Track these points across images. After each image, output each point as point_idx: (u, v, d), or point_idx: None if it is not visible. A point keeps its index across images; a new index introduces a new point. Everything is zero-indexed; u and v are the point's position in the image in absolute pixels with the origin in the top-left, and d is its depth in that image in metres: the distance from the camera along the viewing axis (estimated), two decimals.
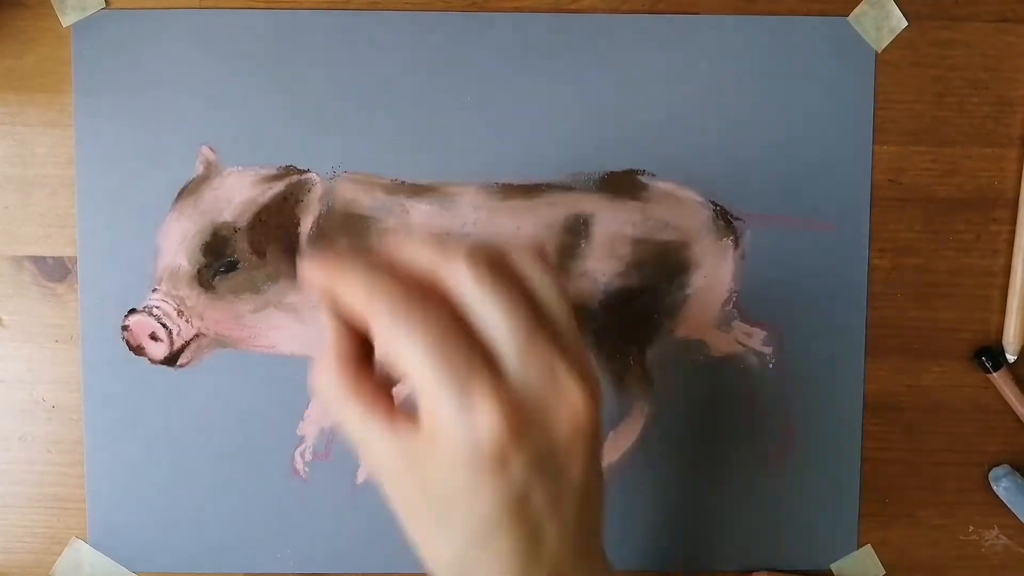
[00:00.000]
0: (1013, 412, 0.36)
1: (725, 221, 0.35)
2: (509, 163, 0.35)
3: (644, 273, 0.35)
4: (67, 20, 0.34)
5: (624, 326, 0.35)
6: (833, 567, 0.36)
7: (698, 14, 0.35)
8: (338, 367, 0.24)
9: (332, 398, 0.24)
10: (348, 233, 0.35)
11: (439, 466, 0.24)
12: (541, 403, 0.24)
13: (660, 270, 0.35)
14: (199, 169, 0.35)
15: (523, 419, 0.24)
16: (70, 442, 0.35)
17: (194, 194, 0.35)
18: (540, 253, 0.26)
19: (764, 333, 0.36)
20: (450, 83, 0.35)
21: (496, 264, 0.25)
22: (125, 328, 0.35)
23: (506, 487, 0.24)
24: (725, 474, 0.36)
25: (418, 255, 0.25)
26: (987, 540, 0.37)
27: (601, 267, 0.35)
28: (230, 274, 0.34)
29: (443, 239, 0.26)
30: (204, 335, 0.35)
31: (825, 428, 0.36)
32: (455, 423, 0.23)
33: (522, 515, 0.25)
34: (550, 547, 0.26)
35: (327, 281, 0.24)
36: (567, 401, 0.24)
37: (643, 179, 0.35)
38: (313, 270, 0.24)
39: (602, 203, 0.35)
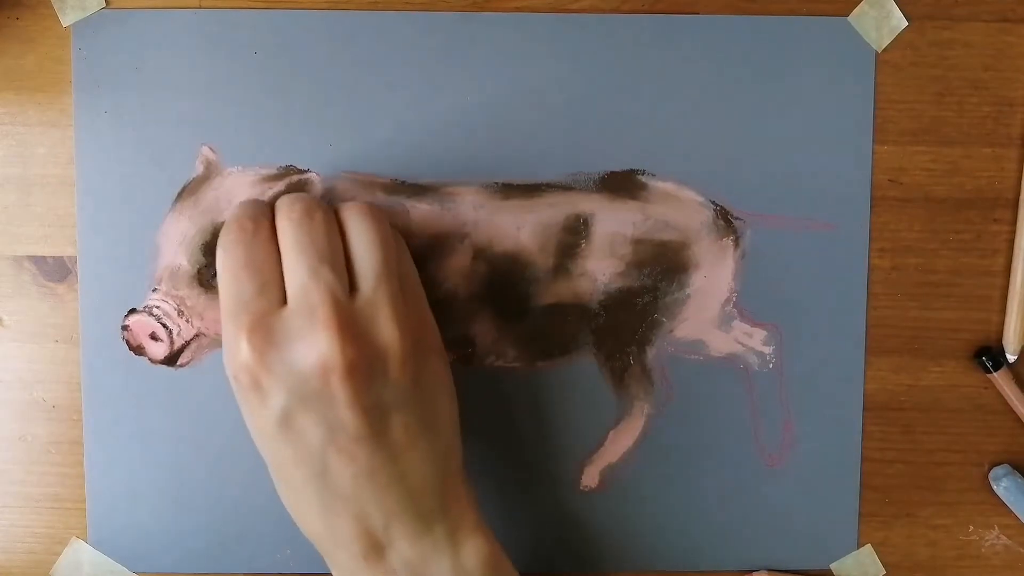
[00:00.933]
0: (1013, 412, 0.36)
1: (725, 221, 0.35)
2: (509, 163, 0.35)
3: (644, 273, 0.35)
4: (67, 20, 0.34)
5: (624, 326, 0.35)
6: (833, 567, 0.36)
7: (698, 14, 0.35)
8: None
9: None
10: None
11: (236, 394, 0.29)
12: (296, 336, 0.27)
13: (660, 270, 0.35)
14: (199, 169, 0.35)
15: (273, 346, 0.27)
16: (70, 442, 0.35)
17: (194, 194, 0.35)
18: (363, 206, 0.29)
19: (764, 333, 0.36)
20: (450, 83, 0.35)
21: (316, 209, 0.29)
22: (125, 328, 0.35)
23: (265, 405, 0.27)
24: (725, 474, 0.36)
25: (277, 203, 0.30)
26: (987, 540, 0.37)
27: (601, 267, 0.35)
28: None
29: (291, 194, 0.30)
30: (204, 335, 0.35)
31: (825, 428, 0.36)
32: (227, 349, 0.28)
33: (295, 434, 0.27)
34: (342, 482, 0.28)
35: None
36: (316, 340, 0.27)
37: (643, 179, 0.35)
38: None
39: (602, 203, 0.35)
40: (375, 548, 0.28)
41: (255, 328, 0.27)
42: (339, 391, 0.27)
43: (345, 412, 0.27)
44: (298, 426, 0.27)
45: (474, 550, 0.29)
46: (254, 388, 0.27)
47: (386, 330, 0.28)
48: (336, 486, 0.28)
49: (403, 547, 0.29)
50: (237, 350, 0.27)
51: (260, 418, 0.28)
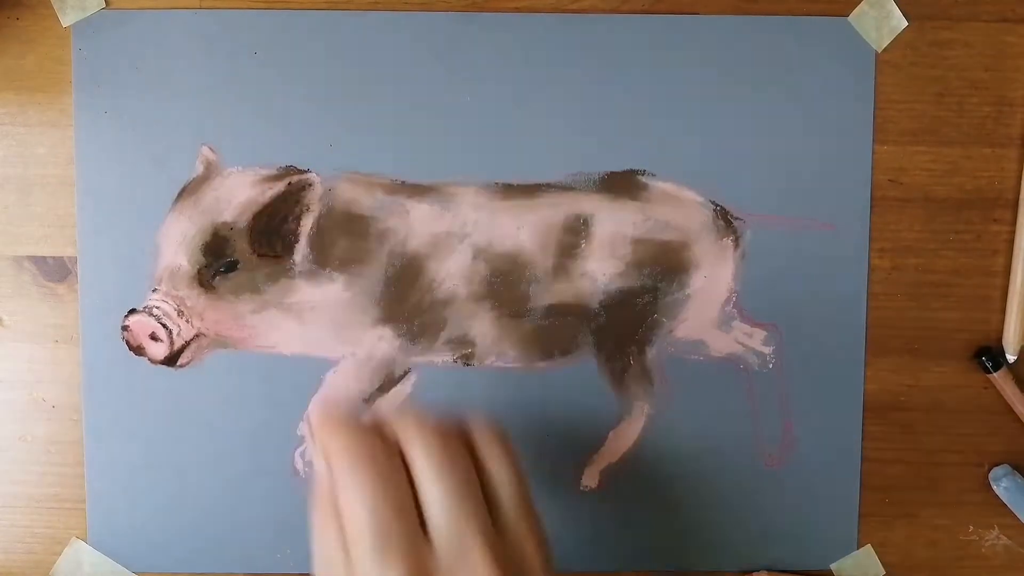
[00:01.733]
0: (1013, 412, 0.36)
1: (725, 221, 0.35)
2: (509, 163, 0.35)
3: (644, 273, 0.35)
4: (67, 20, 0.34)
5: (624, 326, 0.35)
6: (833, 567, 0.36)
7: (698, 14, 0.35)
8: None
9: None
10: (348, 233, 0.35)
11: None
12: (452, 573, 0.26)
13: (660, 270, 0.35)
14: (199, 169, 0.35)
15: None
16: (70, 442, 0.35)
17: (194, 194, 0.35)
18: (501, 437, 0.29)
19: (764, 333, 0.36)
20: (450, 83, 0.35)
21: (448, 438, 0.28)
22: (125, 328, 0.35)
23: None
24: (725, 474, 0.36)
25: (395, 424, 0.28)
26: (987, 540, 0.37)
27: (601, 267, 0.35)
28: (230, 274, 0.34)
29: (417, 413, 0.29)
30: (204, 335, 0.35)
31: (825, 428, 0.36)
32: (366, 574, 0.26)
33: None
34: None
35: (322, 435, 0.28)
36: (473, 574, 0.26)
37: (643, 179, 0.35)
38: (318, 426, 0.28)
39: (602, 203, 0.35)
40: None
41: (410, 561, 0.26)
42: None
43: None
44: None
45: None
46: None
47: (529, 557, 0.28)
48: None
49: None
50: None
51: None
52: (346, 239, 0.35)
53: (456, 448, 0.28)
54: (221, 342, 0.35)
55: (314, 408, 0.34)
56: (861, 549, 0.36)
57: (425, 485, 0.27)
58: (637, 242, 0.35)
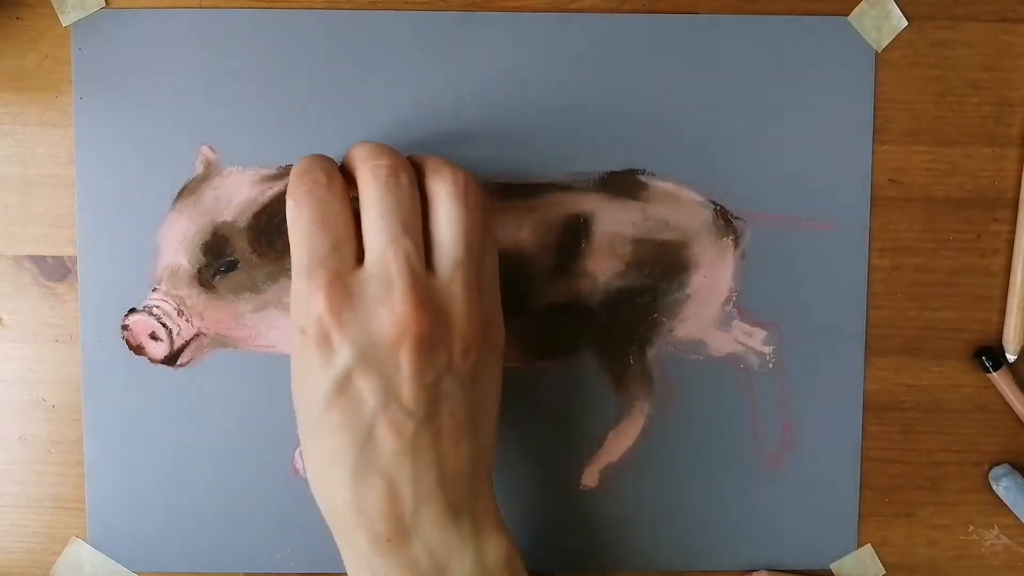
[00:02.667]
0: (1013, 412, 0.36)
1: (725, 221, 0.35)
2: (509, 163, 0.35)
3: (644, 273, 0.35)
4: (67, 20, 0.34)
5: (624, 326, 0.35)
6: (833, 567, 0.36)
7: (698, 14, 0.35)
8: None
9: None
10: None
11: (295, 350, 0.29)
12: (372, 301, 0.27)
13: (660, 270, 0.35)
14: (199, 169, 0.35)
15: (349, 305, 0.27)
16: (70, 442, 0.35)
17: (194, 194, 0.35)
18: (460, 182, 0.29)
19: (764, 333, 0.36)
20: (450, 83, 0.35)
21: (399, 171, 0.28)
22: (125, 328, 0.35)
23: (329, 362, 0.27)
24: (725, 474, 0.36)
25: (354, 150, 0.29)
26: (987, 540, 0.37)
27: (601, 267, 0.35)
28: (230, 274, 0.34)
29: (373, 144, 0.30)
30: (204, 335, 0.35)
31: (825, 428, 0.36)
32: (299, 303, 0.28)
33: (349, 398, 0.27)
34: (383, 454, 0.28)
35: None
36: (393, 308, 0.27)
37: (643, 179, 0.35)
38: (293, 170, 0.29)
39: (602, 203, 0.35)
40: (401, 531, 0.28)
41: (333, 284, 0.27)
42: (405, 362, 0.27)
43: (406, 384, 0.27)
44: (355, 389, 0.27)
45: (496, 548, 0.29)
46: (322, 343, 0.27)
47: (458, 317, 0.28)
48: (377, 457, 0.28)
49: (429, 534, 0.28)
50: (312, 303, 0.27)
51: (318, 375, 0.27)
52: None
53: (405, 181, 0.28)
54: (221, 342, 0.35)
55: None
56: (861, 549, 0.36)
57: (365, 212, 0.28)
58: (637, 242, 0.35)
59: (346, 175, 0.30)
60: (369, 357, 0.27)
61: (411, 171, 0.29)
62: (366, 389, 0.27)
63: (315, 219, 0.28)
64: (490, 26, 0.35)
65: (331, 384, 0.27)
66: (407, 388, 0.27)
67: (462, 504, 0.29)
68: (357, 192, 0.29)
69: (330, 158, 0.30)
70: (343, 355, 0.27)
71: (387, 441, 0.27)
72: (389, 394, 0.27)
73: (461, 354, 0.28)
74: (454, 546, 0.29)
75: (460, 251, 0.28)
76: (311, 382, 0.28)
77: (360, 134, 0.35)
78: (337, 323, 0.27)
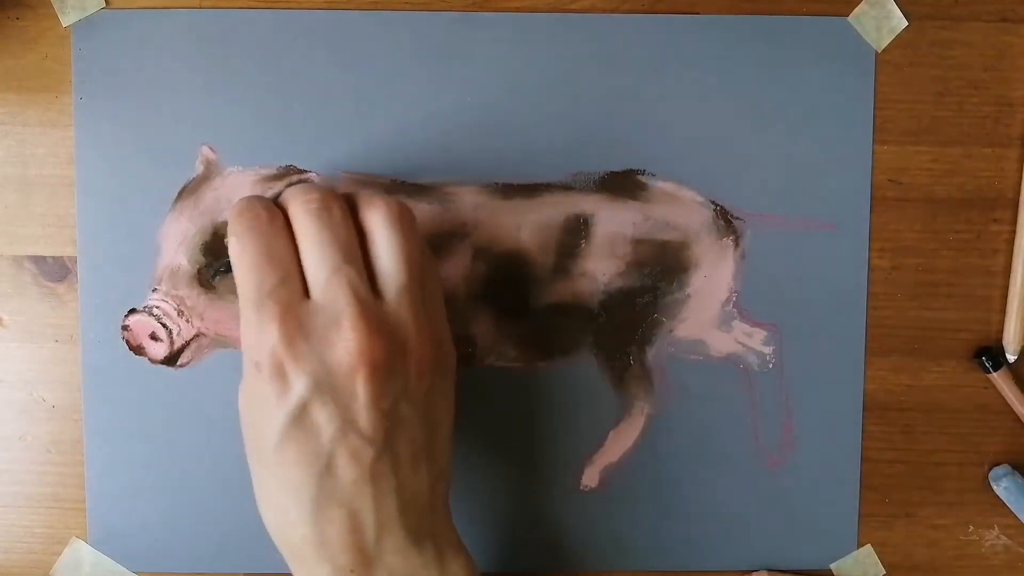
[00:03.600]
0: (1013, 412, 0.36)
1: (725, 221, 0.35)
2: (509, 163, 0.35)
3: (644, 273, 0.35)
4: (67, 20, 0.34)
5: (624, 326, 0.35)
6: (833, 567, 0.36)
7: (698, 14, 0.35)
8: None
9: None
10: None
11: (245, 388, 0.29)
12: (323, 330, 0.27)
13: (660, 270, 0.35)
14: (199, 169, 0.35)
15: (302, 336, 0.27)
16: (70, 442, 0.35)
17: (194, 194, 0.35)
18: (394, 210, 0.29)
19: (764, 333, 0.36)
20: (450, 83, 0.35)
21: (331, 203, 0.29)
22: (125, 328, 0.35)
23: (284, 395, 0.27)
24: (725, 474, 0.36)
25: (286, 192, 0.30)
26: (987, 540, 0.37)
27: (601, 267, 0.35)
28: (230, 274, 0.34)
29: (305, 184, 0.31)
30: (204, 335, 0.35)
31: (825, 428, 0.36)
32: (250, 338, 0.28)
33: (306, 429, 0.27)
34: (343, 484, 0.28)
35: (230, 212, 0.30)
36: (345, 336, 0.27)
37: (643, 179, 0.35)
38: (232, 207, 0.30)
39: (602, 203, 0.35)
40: (364, 561, 0.28)
41: (285, 316, 0.27)
42: (362, 389, 0.27)
43: (363, 411, 0.27)
44: (311, 420, 0.27)
45: (459, 570, 0.29)
46: (277, 375, 0.27)
47: (410, 341, 0.28)
48: (337, 487, 0.27)
49: (393, 562, 0.28)
50: (264, 336, 0.27)
51: (273, 409, 0.27)
52: None
53: (338, 213, 0.29)
54: (221, 342, 0.35)
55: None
56: (861, 549, 0.36)
57: (303, 246, 0.28)
58: (637, 242, 0.35)
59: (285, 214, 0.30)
60: (325, 387, 0.27)
61: (342, 202, 0.29)
62: (323, 419, 0.27)
63: (260, 253, 0.28)
64: (490, 26, 0.35)
65: (287, 416, 0.27)
66: (364, 415, 0.27)
67: (423, 529, 0.29)
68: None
69: (267, 198, 0.30)
70: (298, 386, 0.27)
71: (346, 470, 0.27)
72: (346, 422, 0.27)
73: (416, 378, 0.28)
74: (418, 572, 0.29)
75: (403, 275, 0.28)
76: (265, 416, 0.28)
77: (360, 134, 0.35)
78: (292, 354, 0.27)
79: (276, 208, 0.29)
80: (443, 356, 0.30)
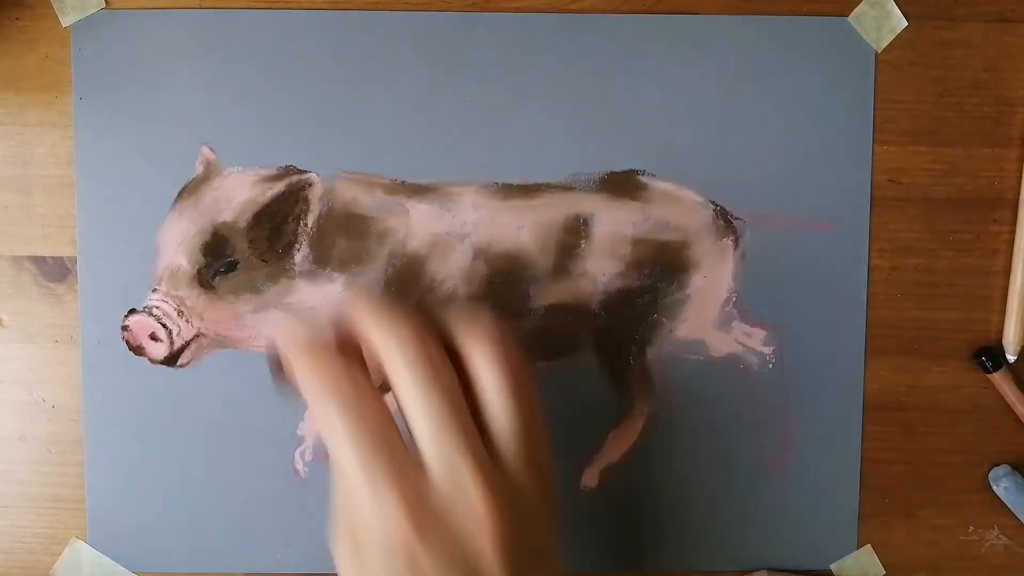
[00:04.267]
0: (1013, 412, 0.36)
1: (725, 221, 0.35)
2: (509, 163, 0.35)
3: (644, 273, 0.35)
4: (67, 20, 0.34)
5: (624, 326, 0.35)
6: (833, 567, 0.36)
7: (698, 14, 0.35)
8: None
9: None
10: (348, 233, 0.35)
11: (370, 551, 0.25)
12: (447, 501, 0.25)
13: (660, 270, 0.35)
14: (199, 169, 0.35)
15: (428, 516, 0.25)
16: (70, 442, 0.35)
17: (194, 194, 0.35)
18: (501, 349, 0.26)
19: (764, 333, 0.36)
20: (450, 83, 0.35)
21: (426, 344, 0.25)
22: (125, 328, 0.35)
23: (413, 569, 0.25)
24: (725, 474, 0.36)
25: (368, 331, 0.26)
26: (987, 540, 0.37)
27: (601, 267, 0.35)
28: (230, 274, 0.34)
29: (394, 311, 0.26)
30: (204, 335, 0.35)
31: (825, 428, 0.36)
32: (370, 515, 0.25)
33: None
34: None
35: (289, 360, 0.26)
36: (468, 505, 0.25)
37: (643, 179, 0.35)
38: (286, 344, 0.26)
39: (602, 203, 0.35)
40: None
41: (413, 504, 0.24)
42: (495, 568, 0.25)
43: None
44: None
45: None
46: (410, 566, 0.25)
47: (532, 500, 0.26)
48: None
49: None
50: (392, 525, 0.25)
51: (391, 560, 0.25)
52: (346, 239, 0.35)
53: (446, 376, 0.25)
54: (221, 342, 0.35)
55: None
56: (861, 549, 0.36)
57: (410, 412, 0.25)
58: (637, 242, 0.35)
59: (343, 333, 0.27)
60: (458, 563, 0.25)
61: (443, 350, 0.26)
62: None
63: (355, 422, 0.25)
64: (490, 26, 0.35)
65: None
66: None
67: None
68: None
69: (327, 337, 0.26)
70: (428, 568, 0.25)
71: None
72: None
73: (542, 533, 0.27)
74: None
75: (521, 438, 0.26)
76: (376, 551, 0.25)
77: (360, 134, 0.35)
78: (425, 544, 0.24)
79: (352, 359, 0.26)
80: (550, 491, 0.28)
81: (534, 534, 0.27)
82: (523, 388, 0.26)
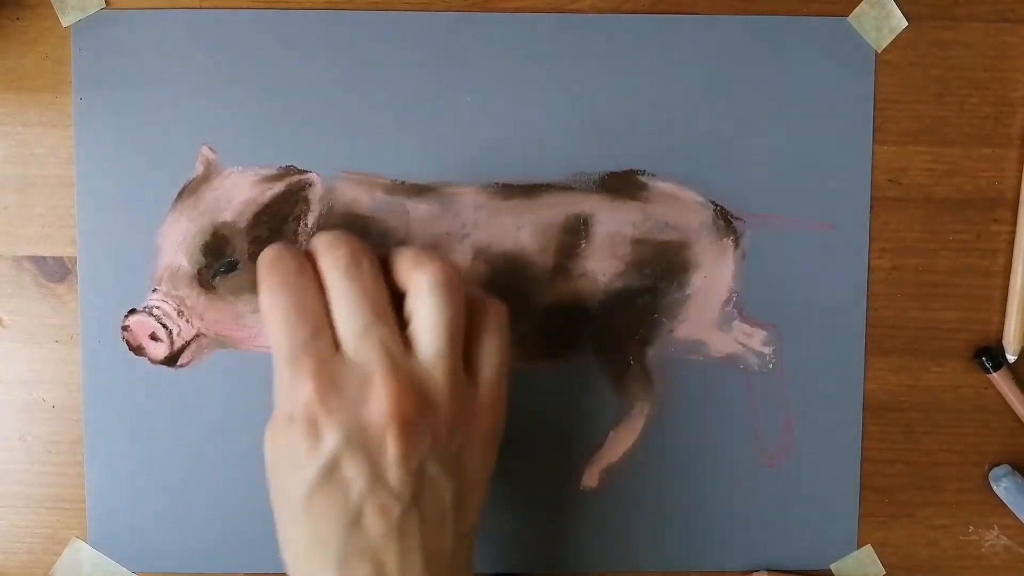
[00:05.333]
0: (1013, 412, 0.36)
1: (725, 221, 0.35)
2: (509, 163, 0.35)
3: (644, 273, 0.35)
4: (67, 20, 0.34)
5: (624, 326, 0.35)
6: (833, 567, 0.36)
7: (698, 14, 0.35)
8: None
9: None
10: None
11: (275, 437, 0.29)
12: (356, 386, 0.27)
13: (660, 270, 0.35)
14: (199, 169, 0.35)
15: (335, 391, 0.27)
16: (70, 442, 0.35)
17: (194, 194, 0.35)
18: (441, 277, 0.28)
19: (764, 333, 0.36)
20: (450, 83, 0.35)
21: (362, 256, 0.29)
22: (125, 328, 0.35)
23: (316, 448, 0.27)
24: (725, 474, 0.36)
25: (314, 241, 0.30)
26: (987, 540, 0.37)
27: (601, 267, 0.35)
28: (230, 274, 0.34)
29: (337, 233, 0.30)
30: (204, 335, 0.35)
31: (825, 428, 0.36)
32: (287, 385, 0.28)
33: (336, 483, 0.27)
34: (370, 537, 0.28)
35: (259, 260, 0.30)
36: (377, 393, 0.27)
37: (643, 179, 0.35)
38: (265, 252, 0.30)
39: (602, 203, 0.35)
40: None
41: (319, 370, 0.27)
42: (392, 445, 0.27)
43: (392, 467, 0.27)
44: (342, 473, 0.27)
45: None
46: (309, 430, 0.27)
47: (441, 401, 0.28)
48: (364, 541, 0.28)
49: None
50: (299, 390, 0.27)
51: (304, 462, 0.27)
52: None
53: (368, 268, 0.29)
54: (221, 342, 0.35)
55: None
56: (861, 549, 0.36)
57: (333, 302, 0.28)
58: (637, 242, 0.35)
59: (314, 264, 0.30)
60: (356, 441, 0.27)
61: (372, 256, 0.29)
62: (353, 473, 0.27)
63: (292, 307, 0.28)
64: (490, 26, 0.35)
65: (318, 470, 0.27)
66: (393, 471, 0.27)
67: None
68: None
69: (295, 247, 0.30)
70: (331, 440, 0.27)
71: (374, 524, 0.27)
72: (376, 477, 0.27)
73: (446, 438, 0.28)
74: None
75: (443, 342, 0.28)
76: (295, 467, 0.28)
77: (360, 134, 0.35)
78: (325, 408, 0.27)
79: (305, 260, 0.29)
80: (485, 421, 0.30)
81: (442, 445, 0.28)
82: (455, 310, 0.29)
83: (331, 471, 0.27)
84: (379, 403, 0.27)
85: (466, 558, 0.30)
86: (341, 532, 0.27)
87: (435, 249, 0.30)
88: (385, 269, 0.30)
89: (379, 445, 0.27)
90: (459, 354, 0.29)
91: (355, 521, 0.27)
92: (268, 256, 0.29)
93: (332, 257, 0.29)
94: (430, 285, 0.28)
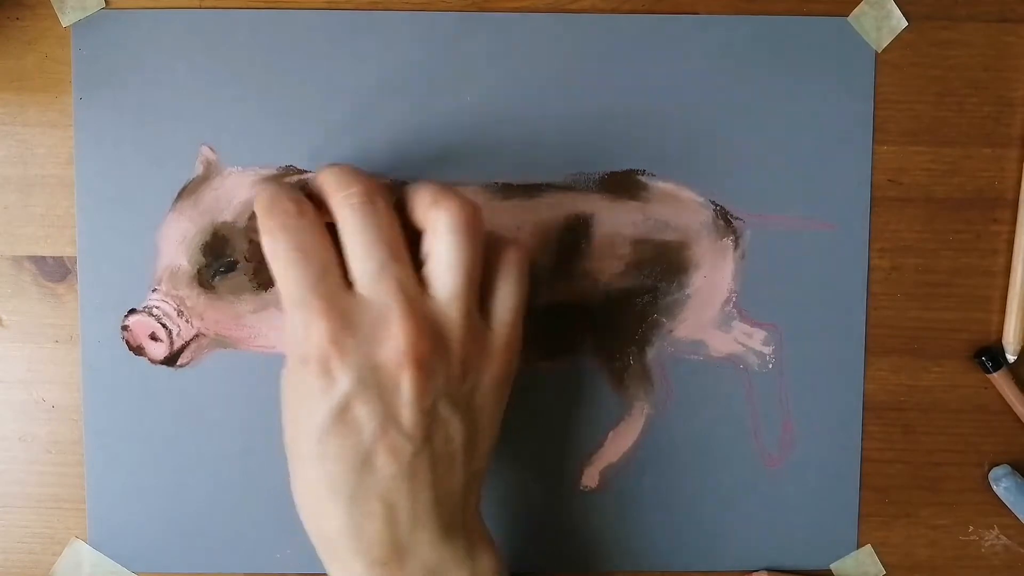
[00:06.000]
0: (1013, 412, 0.36)
1: (725, 221, 0.35)
2: (509, 163, 0.35)
3: (644, 273, 0.35)
4: (67, 20, 0.34)
5: (624, 326, 0.35)
6: (833, 567, 0.36)
7: (698, 14, 0.35)
8: None
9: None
10: None
11: (289, 380, 0.29)
12: (370, 327, 0.27)
13: (660, 270, 0.35)
14: (199, 169, 0.35)
15: (348, 331, 0.27)
16: (70, 442, 0.35)
17: (194, 194, 0.35)
18: (462, 217, 0.28)
19: (764, 333, 0.36)
20: (450, 83, 0.35)
21: (376, 194, 0.28)
22: (125, 328, 0.35)
23: (329, 390, 0.27)
24: (725, 474, 0.36)
25: (323, 179, 0.29)
26: (987, 540, 0.37)
27: (601, 267, 0.35)
28: (230, 274, 0.34)
29: (347, 168, 0.29)
30: (204, 335, 0.35)
31: (825, 428, 0.36)
32: (298, 328, 0.27)
33: (348, 424, 0.27)
34: (381, 478, 0.28)
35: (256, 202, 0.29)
36: (392, 333, 0.27)
37: (643, 179, 0.35)
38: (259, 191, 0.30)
39: (602, 203, 0.35)
40: (397, 554, 0.28)
41: (331, 311, 0.27)
42: (406, 386, 0.27)
43: (405, 408, 0.27)
44: (354, 415, 0.27)
45: (489, 562, 0.30)
46: (322, 371, 0.27)
47: (455, 342, 0.28)
48: (375, 482, 0.28)
49: (425, 555, 0.28)
50: (311, 331, 0.27)
51: (317, 403, 0.27)
52: None
53: (383, 207, 0.28)
54: (221, 342, 0.35)
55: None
56: (861, 549, 0.36)
57: (347, 242, 0.28)
58: (637, 242, 0.35)
59: (314, 200, 0.29)
60: (369, 382, 0.27)
61: (386, 195, 0.29)
62: (365, 414, 0.27)
63: (295, 248, 0.28)
64: (490, 26, 0.35)
65: (330, 411, 0.27)
66: (406, 412, 0.27)
67: (455, 523, 0.29)
68: (329, 218, 0.29)
69: (292, 186, 0.30)
70: (343, 382, 0.27)
71: (386, 465, 0.28)
72: (388, 418, 0.27)
73: (459, 379, 0.28)
74: (450, 564, 0.29)
75: (459, 282, 0.28)
76: (308, 409, 0.28)
77: (360, 134, 0.35)
78: (338, 350, 0.27)
79: (304, 199, 0.29)
80: (498, 363, 0.30)
81: (455, 387, 0.28)
82: (474, 250, 0.28)
83: (343, 412, 0.27)
84: (394, 343, 0.27)
85: (475, 499, 0.30)
86: (353, 473, 0.27)
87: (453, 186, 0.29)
88: (400, 206, 0.29)
89: (393, 385, 0.27)
90: (475, 295, 0.29)
91: (366, 462, 0.27)
92: (264, 199, 0.29)
93: (344, 195, 0.28)
94: (448, 225, 0.28)
